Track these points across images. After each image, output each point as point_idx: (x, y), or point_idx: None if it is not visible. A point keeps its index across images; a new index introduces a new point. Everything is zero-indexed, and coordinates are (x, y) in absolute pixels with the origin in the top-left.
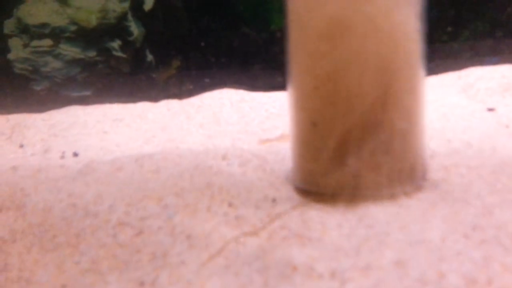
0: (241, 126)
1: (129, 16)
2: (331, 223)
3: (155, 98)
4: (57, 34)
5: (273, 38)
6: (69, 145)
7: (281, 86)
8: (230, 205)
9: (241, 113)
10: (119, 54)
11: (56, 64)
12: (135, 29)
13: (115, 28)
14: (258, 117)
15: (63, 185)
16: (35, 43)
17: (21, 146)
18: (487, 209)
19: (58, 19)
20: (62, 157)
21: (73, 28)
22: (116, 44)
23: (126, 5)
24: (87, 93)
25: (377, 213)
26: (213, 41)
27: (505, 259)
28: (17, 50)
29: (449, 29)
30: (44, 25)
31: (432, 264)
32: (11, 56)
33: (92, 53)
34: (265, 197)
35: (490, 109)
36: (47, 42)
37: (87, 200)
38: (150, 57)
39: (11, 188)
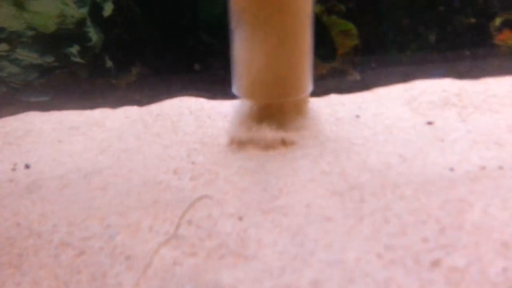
0: (198, 136)
1: (88, 22)
2: None
3: (114, 105)
4: (14, 39)
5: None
6: (22, 156)
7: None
8: (172, 224)
9: (199, 122)
10: (78, 59)
11: (13, 69)
12: (94, 35)
13: (73, 34)
14: (215, 127)
15: (9, 202)
16: None
17: None
18: (402, 229)
19: (15, 24)
20: (14, 169)
21: (30, 33)
22: (74, 49)
23: (85, 10)
24: (45, 98)
25: None
26: (174, 48)
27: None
28: None
29: (399, 40)
30: (0, 30)
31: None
32: None
33: (50, 59)
34: (208, 216)
35: (429, 123)
36: (4, 46)
37: (32, 219)
38: (109, 63)
39: None
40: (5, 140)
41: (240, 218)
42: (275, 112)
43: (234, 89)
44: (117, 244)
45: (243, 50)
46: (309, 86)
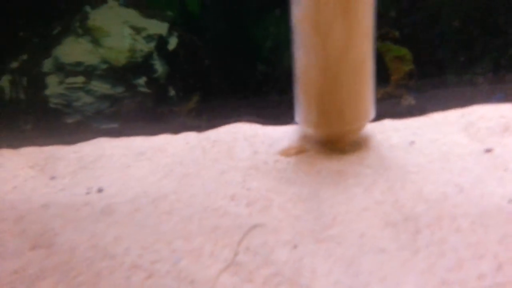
0: (253, 162)
1: (155, 55)
2: None
3: (175, 131)
4: (89, 72)
5: (287, 75)
6: (95, 179)
7: (293, 119)
8: (231, 250)
9: (253, 148)
10: (144, 89)
11: (87, 99)
12: (160, 67)
13: (141, 66)
14: (269, 153)
15: (87, 225)
16: (69, 79)
17: (53, 178)
18: (458, 263)
19: (91, 58)
20: (88, 192)
21: (104, 66)
22: (142, 80)
23: (152, 45)
24: (114, 125)
25: None
26: (231, 78)
27: None
28: (53, 86)
29: (455, 64)
30: (78, 64)
31: None
32: (48, 92)
33: (120, 89)
34: (264, 243)
35: (488, 150)
36: (80, 79)
37: (107, 242)
38: (172, 92)
39: (43, 227)
40: (79, 164)
41: (295, 246)
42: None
43: (297, 118)
44: (182, 268)
45: (304, 75)
46: (372, 112)
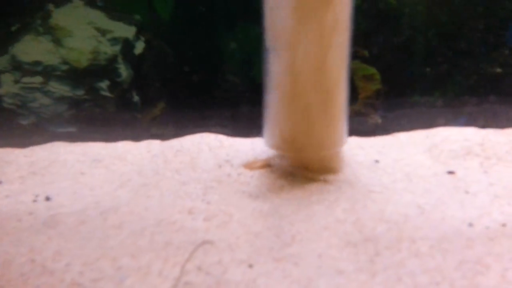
0: (216, 174)
1: (119, 59)
2: None
3: (137, 138)
4: (48, 72)
5: (257, 87)
6: (44, 186)
7: (261, 132)
8: (182, 269)
9: (217, 160)
10: (106, 93)
11: (44, 100)
12: (124, 71)
13: (104, 69)
14: (233, 166)
15: (26, 237)
16: (26, 79)
17: (0, 182)
18: None
19: (50, 58)
20: (35, 200)
21: (64, 67)
22: (104, 84)
23: (117, 48)
24: (72, 129)
25: None
26: (199, 86)
27: None
28: (8, 85)
29: (422, 85)
30: (36, 63)
31: None
32: (1, 91)
33: (80, 92)
34: (218, 262)
35: (450, 172)
36: (38, 79)
37: (46, 256)
38: (136, 97)
39: None
40: (30, 169)
41: (251, 266)
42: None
43: (265, 140)
44: None
45: (273, 95)
46: (345, 138)
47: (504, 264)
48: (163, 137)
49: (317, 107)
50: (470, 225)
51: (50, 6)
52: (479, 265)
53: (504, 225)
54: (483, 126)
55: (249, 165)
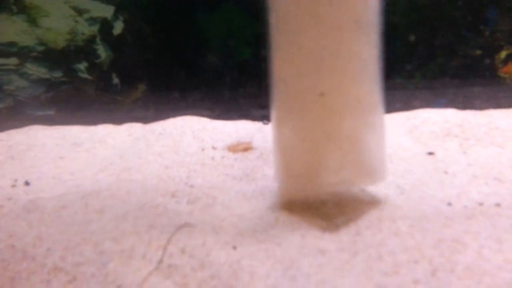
0: (199, 157)
1: (98, 40)
2: None
3: (118, 121)
4: (24, 54)
5: (239, 68)
6: (23, 171)
7: (245, 115)
8: (163, 251)
9: (200, 143)
10: (85, 75)
11: (21, 82)
12: (103, 52)
13: (82, 50)
14: (217, 149)
15: (6, 223)
16: (1, 61)
17: None
18: (394, 268)
19: (26, 39)
20: (14, 185)
21: (40, 48)
22: (82, 66)
23: (95, 28)
24: (51, 112)
25: None
26: (181, 68)
27: None
28: None
29: (404, 67)
30: (11, 44)
31: None
32: None
33: (58, 74)
34: (202, 244)
35: (430, 153)
36: (14, 61)
37: (27, 242)
38: (116, 80)
39: None
40: (7, 154)
41: (235, 248)
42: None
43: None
44: (109, 272)
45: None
46: (382, 172)
47: (481, 242)
48: (145, 120)
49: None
50: (449, 204)
51: None
52: (456, 243)
53: (481, 204)
54: (463, 107)
55: (232, 148)
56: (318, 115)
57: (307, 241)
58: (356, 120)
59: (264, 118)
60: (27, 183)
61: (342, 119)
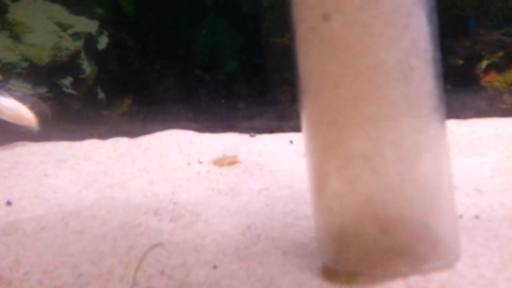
0: (185, 172)
1: (82, 55)
2: None
3: (104, 136)
4: (8, 70)
5: (225, 81)
6: (6, 190)
7: (230, 127)
8: (144, 273)
9: (187, 157)
10: (70, 91)
11: None
12: (88, 67)
13: (67, 66)
14: (203, 163)
15: None
16: None
17: None
18: None
19: (10, 55)
20: None
21: (24, 64)
22: (67, 81)
23: (80, 43)
24: (36, 129)
25: None
26: (166, 82)
27: None
28: None
29: None
30: None
31: None
32: None
33: (43, 90)
34: (182, 264)
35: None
36: None
37: (4, 266)
38: (101, 94)
39: None
40: None
41: (215, 267)
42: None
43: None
44: None
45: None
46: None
47: None
48: (131, 134)
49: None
50: None
51: (7, 0)
52: None
53: (461, 216)
54: (446, 117)
55: (218, 162)
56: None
57: (288, 259)
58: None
59: (251, 130)
60: (9, 203)
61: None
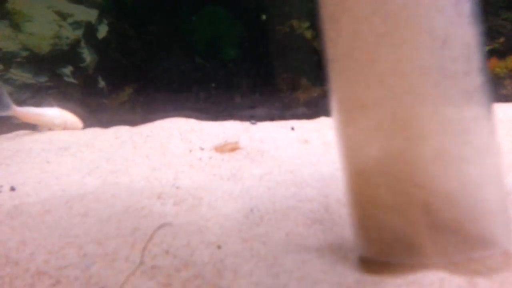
0: (186, 158)
1: (82, 43)
2: None
3: (105, 124)
4: (8, 59)
5: (226, 69)
6: (9, 177)
7: (231, 115)
8: (149, 253)
9: (188, 144)
10: (71, 79)
11: (6, 88)
12: (88, 56)
13: (67, 55)
14: (204, 150)
15: None
16: None
17: None
18: None
19: (10, 44)
20: None
21: (24, 53)
22: (68, 70)
23: (80, 32)
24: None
25: None
26: (168, 70)
27: None
28: None
29: None
30: None
31: None
32: None
33: (43, 79)
34: (187, 244)
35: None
36: None
37: (10, 247)
38: (102, 83)
39: None
40: None
41: (219, 247)
42: None
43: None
44: (93, 274)
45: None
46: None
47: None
48: (132, 122)
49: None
50: None
51: None
52: None
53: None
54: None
55: (220, 148)
56: None
57: (291, 239)
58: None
59: (252, 118)
60: (12, 189)
61: None
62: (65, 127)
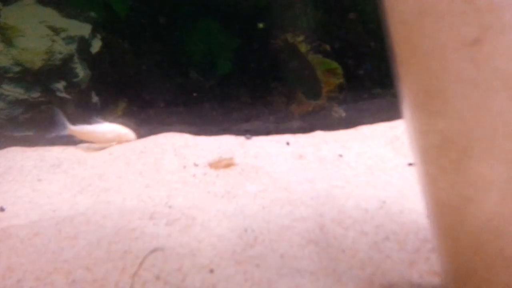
0: (180, 175)
1: (75, 58)
2: None
3: None
4: (0, 74)
5: (220, 83)
6: None
7: (226, 129)
8: (140, 278)
9: (182, 160)
10: (63, 95)
11: None
12: (81, 71)
13: (60, 70)
14: (198, 166)
15: None
16: None
17: None
18: None
19: (2, 60)
20: None
21: (17, 68)
22: (60, 85)
23: (73, 47)
24: (30, 133)
25: None
26: (162, 85)
27: None
28: None
29: (384, 78)
30: None
31: None
32: None
33: (35, 94)
34: (178, 269)
35: (411, 164)
36: None
37: None
38: (95, 98)
39: None
40: None
41: (211, 271)
42: None
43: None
44: None
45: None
46: None
47: None
48: None
49: None
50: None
51: None
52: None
53: None
54: None
55: (214, 165)
56: None
57: (286, 261)
58: None
59: (247, 132)
60: (1, 209)
61: None
62: (119, 141)
